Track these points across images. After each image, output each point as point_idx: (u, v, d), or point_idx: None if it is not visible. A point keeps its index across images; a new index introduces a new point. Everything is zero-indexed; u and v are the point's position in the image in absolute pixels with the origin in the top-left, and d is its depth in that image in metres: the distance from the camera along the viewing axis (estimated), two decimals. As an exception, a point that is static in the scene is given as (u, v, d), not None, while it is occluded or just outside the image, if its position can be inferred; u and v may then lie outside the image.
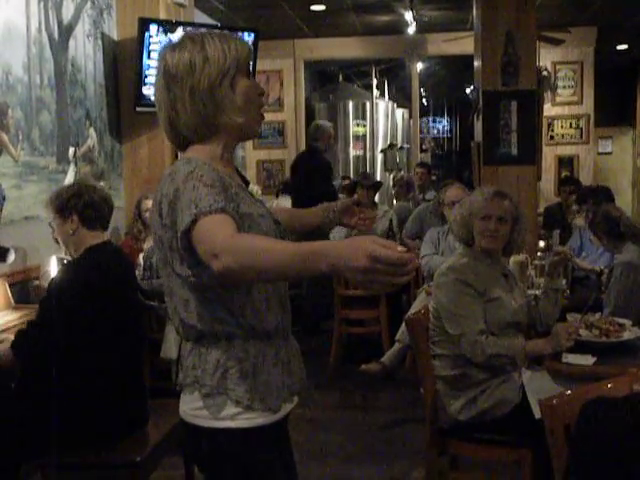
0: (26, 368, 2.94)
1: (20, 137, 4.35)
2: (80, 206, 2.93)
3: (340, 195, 8.10)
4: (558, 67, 9.49)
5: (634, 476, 1.63)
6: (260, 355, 1.70)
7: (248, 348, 1.69)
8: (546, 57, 9.03)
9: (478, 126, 6.42)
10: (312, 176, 6.49)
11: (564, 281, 3.84)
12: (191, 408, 1.72)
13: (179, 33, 5.44)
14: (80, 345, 2.80)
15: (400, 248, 1.31)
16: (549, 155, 9.51)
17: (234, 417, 1.67)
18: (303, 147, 10.32)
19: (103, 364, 2.84)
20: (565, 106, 9.56)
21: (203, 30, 1.81)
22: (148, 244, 4.79)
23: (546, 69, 8.88)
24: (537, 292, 3.57)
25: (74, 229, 2.93)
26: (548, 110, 9.26)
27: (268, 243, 1.48)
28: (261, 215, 1.72)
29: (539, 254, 4.56)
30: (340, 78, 12.16)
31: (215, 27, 6.10)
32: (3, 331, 3.32)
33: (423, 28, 8.85)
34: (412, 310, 4.70)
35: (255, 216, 1.69)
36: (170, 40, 5.44)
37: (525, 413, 2.82)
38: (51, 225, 3.03)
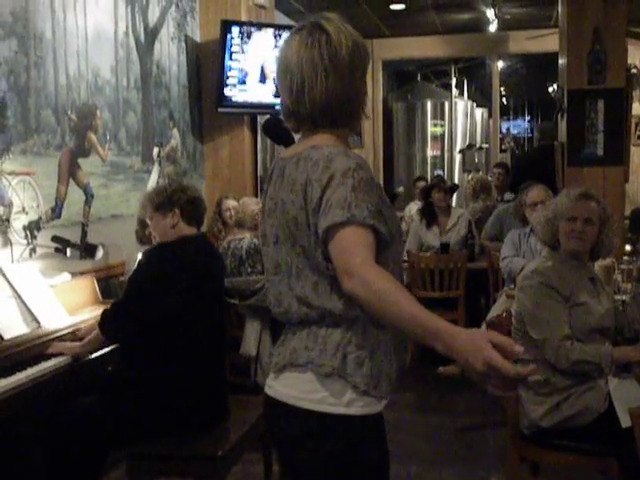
0: (121, 354, 3.04)
1: (108, 137, 4.49)
2: (183, 201, 3.06)
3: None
4: (648, 65, 9.20)
5: None
6: (376, 343, 1.70)
7: (366, 335, 1.68)
8: (635, 54, 8.75)
9: (562, 126, 6.28)
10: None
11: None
12: (301, 390, 1.68)
13: (261, 34, 5.51)
14: (164, 326, 2.86)
15: (518, 347, 1.37)
16: (636, 156, 9.23)
17: (349, 404, 1.66)
18: (380, 147, 10.33)
19: (187, 353, 2.90)
20: (655, 105, 9.26)
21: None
22: (223, 243, 4.87)
23: (635, 67, 8.61)
24: (624, 297, 3.48)
25: (175, 223, 3.04)
26: (637, 109, 8.98)
27: (402, 297, 1.50)
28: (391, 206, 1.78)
29: (625, 258, 4.43)
30: (418, 77, 12.08)
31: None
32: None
33: (505, 26, 8.72)
34: (492, 313, 4.63)
35: (391, 208, 1.74)
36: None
37: (611, 421, 2.75)
38: (147, 222, 3.13)
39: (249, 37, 5.47)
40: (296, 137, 1.85)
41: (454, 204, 7.40)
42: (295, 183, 1.68)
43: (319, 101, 1.71)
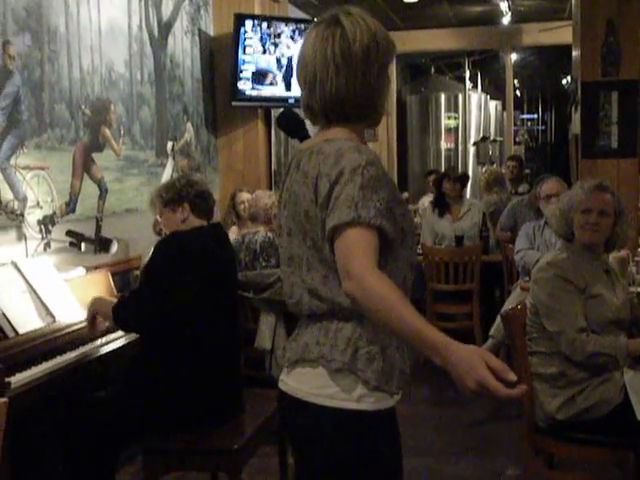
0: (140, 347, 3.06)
1: (122, 132, 4.50)
2: (192, 195, 3.06)
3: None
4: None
5: None
6: (388, 337, 1.69)
7: (377, 330, 1.67)
8: (649, 45, 8.69)
9: (576, 118, 6.25)
10: None
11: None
12: (313, 386, 1.68)
13: (276, 28, 5.51)
14: (178, 317, 2.87)
15: (512, 375, 1.41)
16: (651, 147, 9.16)
17: (360, 399, 1.65)
18: (394, 140, 10.30)
19: (202, 347, 2.90)
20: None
21: (360, 11, 1.78)
22: (233, 235, 4.88)
23: (649, 58, 8.54)
24: (639, 289, 3.46)
25: (185, 217, 3.05)
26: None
27: (402, 305, 1.52)
28: (404, 201, 1.79)
29: (640, 250, 4.40)
30: (432, 70, 12.04)
31: (309, 21, 6.13)
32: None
33: (518, 18, 8.68)
34: (507, 305, 4.61)
35: (404, 203, 1.75)
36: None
37: (627, 414, 2.73)
38: (158, 218, 3.15)
39: (263, 29, 5.47)
40: (315, 130, 1.84)
41: (468, 196, 7.38)
42: (307, 176, 1.68)
43: (329, 96, 1.71)
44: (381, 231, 1.60)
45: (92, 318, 3.06)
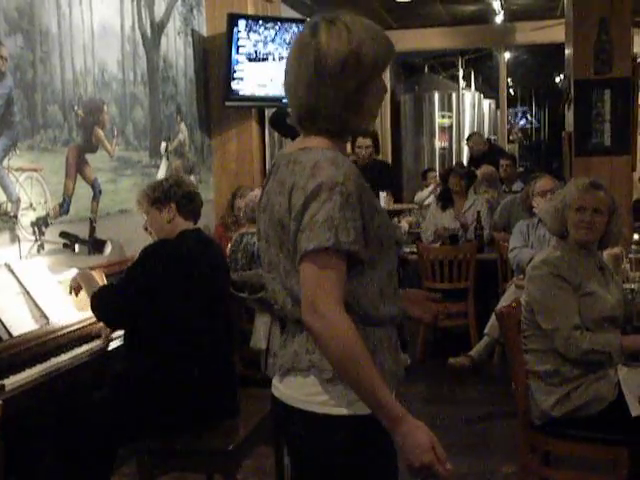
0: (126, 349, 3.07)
1: (115, 133, 4.49)
2: (179, 195, 3.06)
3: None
4: (654, 54, 9.14)
5: None
6: (378, 341, 1.69)
7: (368, 333, 1.66)
8: (641, 44, 8.71)
9: (569, 116, 6.27)
10: None
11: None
12: (304, 394, 1.67)
13: (267, 29, 5.51)
14: (167, 321, 2.87)
15: (449, 466, 1.54)
16: (644, 145, 9.18)
17: (351, 404, 1.64)
18: (388, 139, 10.31)
19: (195, 348, 2.90)
20: (661, 94, 9.20)
21: (355, 17, 1.69)
22: (235, 234, 4.87)
23: (641, 56, 8.57)
24: (633, 286, 3.46)
25: (171, 218, 3.04)
26: (643, 98, 8.94)
27: (364, 358, 1.54)
28: (385, 211, 1.75)
29: (634, 247, 4.41)
30: (425, 69, 12.05)
31: (302, 21, 6.12)
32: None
33: (511, 16, 8.69)
34: (502, 303, 4.62)
35: (383, 213, 1.71)
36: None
37: (621, 410, 2.74)
38: (144, 216, 3.14)
39: (256, 30, 5.47)
40: None
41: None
42: (284, 185, 1.65)
43: (302, 107, 1.68)
44: (356, 255, 1.58)
45: (75, 289, 3.26)
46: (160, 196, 3.05)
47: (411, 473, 1.56)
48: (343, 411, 1.65)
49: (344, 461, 1.67)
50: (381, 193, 5.68)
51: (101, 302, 2.97)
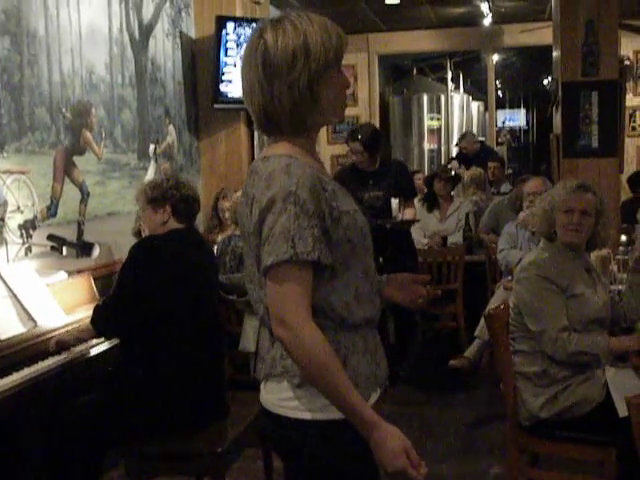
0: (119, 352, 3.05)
1: (103, 135, 4.48)
2: (176, 198, 3.04)
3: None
4: (640, 56, 9.19)
5: None
6: (350, 345, 1.68)
7: (339, 339, 1.66)
8: (628, 46, 8.75)
9: (557, 118, 6.28)
10: None
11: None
12: (279, 399, 1.69)
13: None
14: (156, 321, 2.87)
15: (423, 470, 1.55)
16: (631, 147, 9.22)
17: (324, 408, 1.64)
18: (377, 141, 10.29)
19: (183, 350, 2.90)
20: (648, 97, 9.24)
21: (301, 13, 1.67)
22: (221, 237, 4.87)
23: (628, 58, 8.61)
24: (620, 287, 3.48)
25: (165, 220, 3.03)
26: (630, 101, 8.95)
27: (335, 367, 1.56)
28: (356, 210, 1.71)
29: (621, 249, 4.43)
30: (414, 72, 12.07)
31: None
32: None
33: (499, 19, 8.72)
34: (490, 305, 4.63)
35: (352, 213, 1.67)
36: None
37: (608, 411, 2.75)
38: (139, 214, 3.13)
39: (244, 31, 5.46)
40: None
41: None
42: (248, 197, 1.65)
43: (259, 111, 1.67)
44: (318, 263, 1.57)
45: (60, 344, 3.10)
46: (157, 196, 3.03)
47: (387, 478, 1.59)
48: (315, 415, 1.66)
49: (318, 465, 1.69)
50: (393, 200, 5.06)
51: (101, 322, 2.98)
